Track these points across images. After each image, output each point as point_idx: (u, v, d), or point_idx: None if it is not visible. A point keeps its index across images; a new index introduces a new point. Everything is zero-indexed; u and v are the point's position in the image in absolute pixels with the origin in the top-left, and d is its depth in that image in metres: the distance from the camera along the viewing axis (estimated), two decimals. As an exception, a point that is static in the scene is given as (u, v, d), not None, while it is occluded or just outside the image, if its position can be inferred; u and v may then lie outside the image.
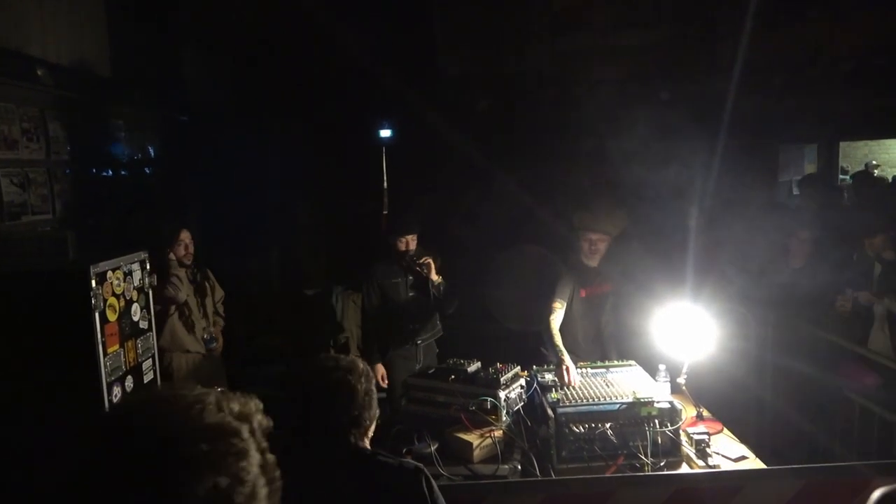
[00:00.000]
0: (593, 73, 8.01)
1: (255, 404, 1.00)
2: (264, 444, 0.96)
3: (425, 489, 2.00)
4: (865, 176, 7.35)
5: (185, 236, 4.24)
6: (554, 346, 3.59)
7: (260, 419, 0.98)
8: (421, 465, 2.09)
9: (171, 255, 4.10)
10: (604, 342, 3.96)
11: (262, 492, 0.92)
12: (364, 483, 1.99)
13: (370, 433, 2.14)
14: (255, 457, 0.92)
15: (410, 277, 4.14)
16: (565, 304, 3.78)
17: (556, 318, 3.73)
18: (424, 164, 7.38)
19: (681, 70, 7.63)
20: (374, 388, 2.12)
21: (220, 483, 0.86)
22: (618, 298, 3.96)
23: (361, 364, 2.13)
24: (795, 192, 8.11)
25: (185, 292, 4.09)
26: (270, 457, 0.96)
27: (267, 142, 6.76)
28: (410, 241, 4.12)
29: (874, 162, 9.89)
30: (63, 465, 0.89)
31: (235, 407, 0.95)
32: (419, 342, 4.20)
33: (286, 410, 2.10)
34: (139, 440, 0.87)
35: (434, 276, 4.03)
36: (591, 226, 3.64)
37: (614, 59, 7.95)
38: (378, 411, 2.16)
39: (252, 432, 0.94)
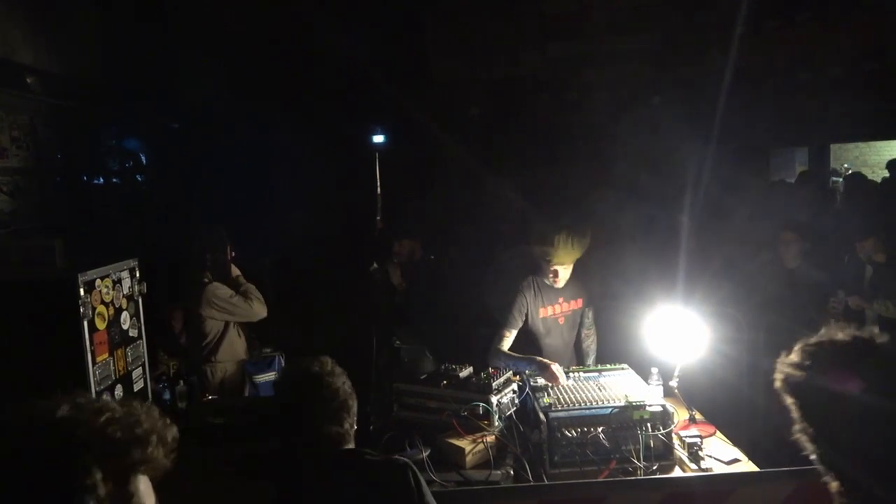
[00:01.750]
0: (585, 78, 8.04)
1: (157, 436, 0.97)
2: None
3: (412, 482, 2.03)
4: (858, 179, 7.38)
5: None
6: (521, 359, 3.57)
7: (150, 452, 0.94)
8: (409, 461, 2.11)
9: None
10: (581, 356, 3.95)
11: None
12: (354, 480, 2.00)
13: (351, 433, 2.16)
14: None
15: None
16: (515, 332, 3.75)
17: (505, 346, 3.70)
18: (417, 170, 7.39)
19: (672, 75, 7.67)
20: (353, 392, 2.16)
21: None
22: (597, 310, 3.95)
23: (331, 363, 2.17)
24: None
25: None
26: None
27: (259, 148, 6.75)
28: (403, 250, 4.14)
29: (846, 166, 9.96)
30: None
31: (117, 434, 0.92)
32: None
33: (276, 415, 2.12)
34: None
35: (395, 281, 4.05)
36: (552, 260, 3.62)
37: (606, 64, 7.99)
38: (356, 410, 2.19)
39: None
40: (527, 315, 3.76)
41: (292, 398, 2.09)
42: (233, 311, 4.10)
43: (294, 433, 2.08)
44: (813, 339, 1.26)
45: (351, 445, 2.13)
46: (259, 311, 4.18)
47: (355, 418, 2.16)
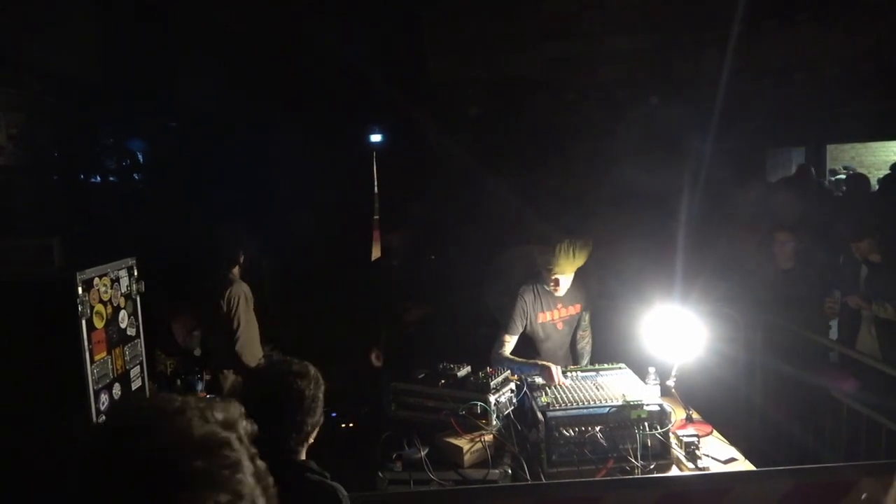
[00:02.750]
0: (583, 78, 8.06)
1: (237, 409, 0.95)
2: (253, 451, 0.91)
3: None
4: (859, 179, 7.40)
5: None
6: (521, 362, 3.59)
7: (245, 425, 0.94)
8: (339, 488, 1.99)
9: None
10: (576, 357, 3.97)
11: (261, 502, 0.87)
12: (284, 496, 1.94)
13: (310, 440, 2.09)
14: (248, 466, 0.87)
15: None
16: (516, 337, 3.77)
17: (506, 351, 3.72)
18: (415, 169, 7.39)
19: (669, 75, 7.68)
20: (321, 396, 2.09)
21: (220, 501, 0.81)
22: (594, 310, 3.96)
23: (313, 370, 2.10)
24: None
25: None
26: (261, 463, 0.92)
27: (257, 147, 6.75)
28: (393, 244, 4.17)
29: (843, 167, 9.99)
30: (57, 480, 0.85)
31: (219, 415, 0.90)
32: None
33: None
34: (134, 461, 0.81)
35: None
36: (554, 269, 3.64)
37: (604, 64, 8.00)
38: (322, 419, 2.12)
39: (240, 440, 0.90)
40: (526, 321, 3.77)
41: (257, 396, 1.98)
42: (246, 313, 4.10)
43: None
44: None
45: (301, 455, 2.06)
46: None
47: (316, 428, 2.09)
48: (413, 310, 4.44)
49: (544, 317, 3.78)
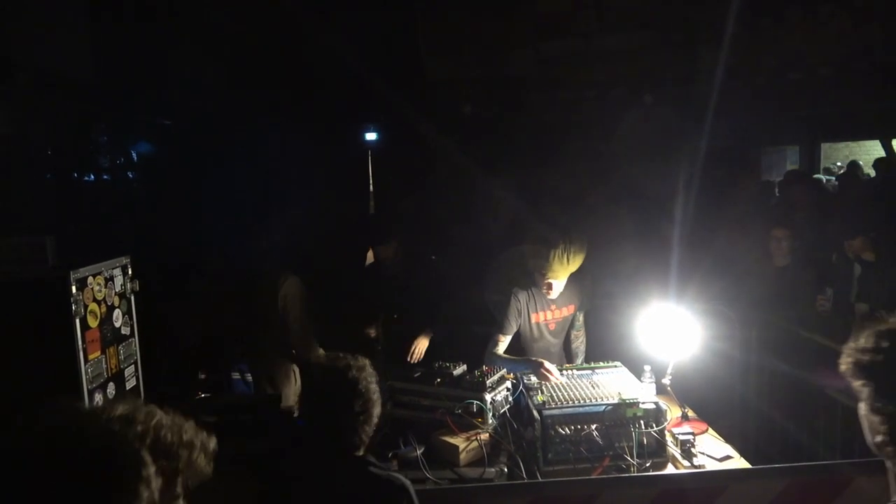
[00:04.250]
0: (577, 77, 8.06)
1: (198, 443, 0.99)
2: (178, 490, 0.95)
3: None
4: (850, 177, 7.45)
5: None
6: (516, 361, 3.59)
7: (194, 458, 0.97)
8: (408, 483, 2.04)
9: None
10: (570, 356, 3.97)
11: None
12: (347, 490, 1.97)
13: (370, 433, 2.12)
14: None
15: None
16: (510, 337, 3.78)
17: (500, 350, 3.73)
18: (410, 167, 7.38)
19: (663, 74, 7.70)
20: (378, 387, 2.13)
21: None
22: (589, 310, 3.96)
23: (368, 363, 2.14)
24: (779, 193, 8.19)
25: None
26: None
27: (251, 145, 6.73)
28: (385, 255, 4.14)
29: (838, 164, 10.04)
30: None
31: (167, 438, 0.94)
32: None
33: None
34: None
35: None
36: (548, 274, 3.63)
37: (598, 63, 8.01)
38: (381, 411, 2.16)
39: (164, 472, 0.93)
40: (520, 321, 3.77)
41: (320, 391, 2.04)
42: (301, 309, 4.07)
43: (308, 428, 2.03)
44: (882, 327, 1.34)
45: (360, 453, 2.09)
46: None
47: (373, 426, 2.12)
48: (386, 247, 4.33)
49: (538, 317, 3.78)
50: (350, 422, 2.02)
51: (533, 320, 3.77)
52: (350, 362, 2.10)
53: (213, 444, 1.01)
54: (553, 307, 3.79)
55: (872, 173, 7.97)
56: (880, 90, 6.62)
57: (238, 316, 4.22)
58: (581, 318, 3.94)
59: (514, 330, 3.76)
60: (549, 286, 3.64)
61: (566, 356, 3.95)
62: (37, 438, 0.90)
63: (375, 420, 2.10)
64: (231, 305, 4.36)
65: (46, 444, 0.89)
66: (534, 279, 3.72)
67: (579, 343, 3.97)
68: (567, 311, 3.84)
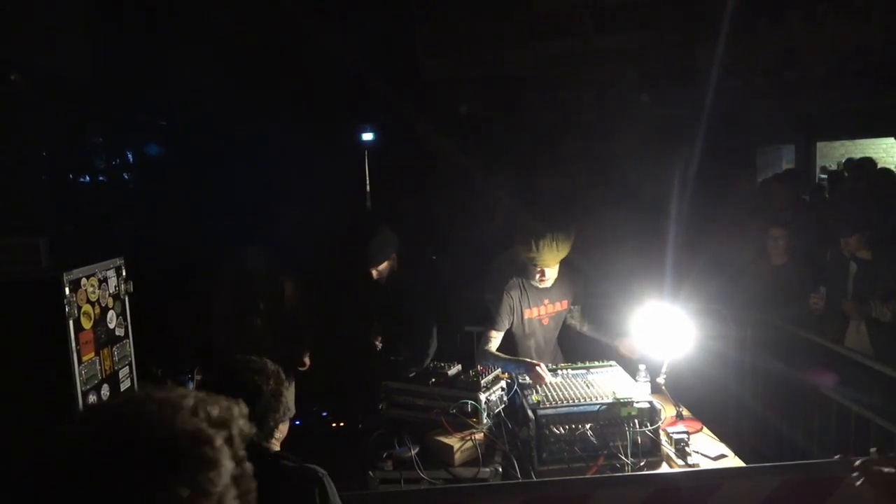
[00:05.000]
0: (575, 77, 8.07)
1: (238, 410, 0.95)
2: (241, 453, 0.91)
3: (317, 497, 1.95)
4: (841, 175, 7.46)
5: None
6: (509, 360, 3.59)
7: (241, 425, 0.94)
8: (322, 472, 2.01)
9: None
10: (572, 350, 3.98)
11: None
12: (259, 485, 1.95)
13: (277, 435, 2.11)
14: (227, 466, 0.87)
15: None
16: (502, 333, 3.78)
17: (492, 347, 3.72)
18: (406, 168, 7.38)
19: (660, 73, 7.70)
20: (283, 391, 2.10)
21: (181, 495, 0.81)
22: (583, 308, 3.97)
23: (272, 366, 2.11)
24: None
25: None
26: (248, 466, 0.92)
27: (248, 146, 6.73)
28: (379, 270, 4.17)
29: (840, 162, 10.03)
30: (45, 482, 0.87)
31: (214, 412, 0.91)
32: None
33: None
34: (104, 440, 0.83)
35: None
36: (538, 262, 3.65)
37: (596, 63, 8.01)
38: (289, 413, 2.14)
39: (228, 440, 0.90)
40: (512, 317, 3.77)
41: (218, 393, 2.04)
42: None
43: None
44: None
45: (270, 447, 2.08)
46: None
47: (281, 423, 2.11)
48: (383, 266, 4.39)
49: (531, 313, 3.79)
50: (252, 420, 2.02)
51: (526, 316, 3.78)
52: (247, 365, 2.08)
53: (245, 408, 0.99)
54: (546, 302, 3.80)
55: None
56: (876, 88, 6.63)
57: (235, 317, 4.25)
58: (579, 311, 3.94)
59: (507, 326, 3.76)
60: (542, 273, 3.65)
61: (560, 354, 3.96)
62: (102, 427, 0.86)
63: (272, 424, 2.06)
64: (228, 306, 4.38)
65: (114, 431, 0.85)
66: (528, 271, 3.73)
67: (585, 328, 3.96)
68: (560, 306, 3.85)
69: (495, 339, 3.74)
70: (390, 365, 4.19)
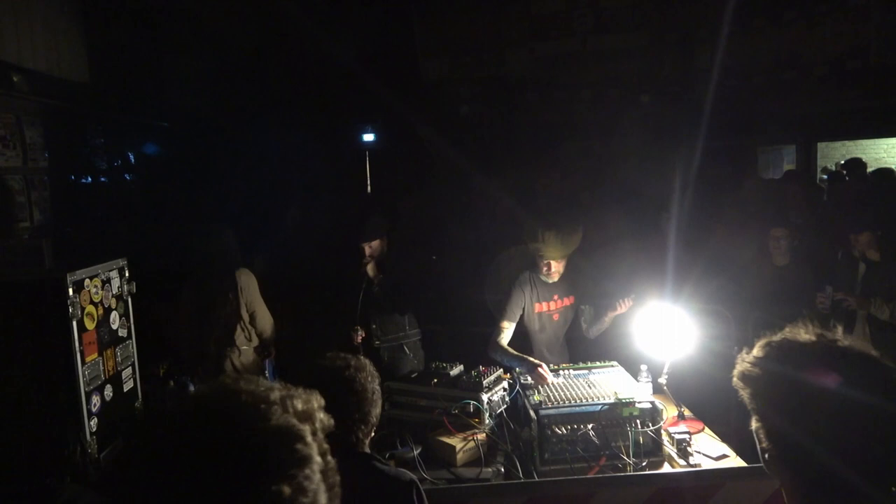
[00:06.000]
0: (573, 77, 8.07)
1: (317, 401, 0.94)
2: (325, 446, 0.90)
3: (415, 500, 2.02)
4: (840, 175, 7.46)
5: None
6: (515, 356, 3.62)
7: (322, 418, 0.92)
8: (415, 478, 2.09)
9: None
10: (572, 351, 3.99)
11: (323, 499, 0.85)
12: (355, 487, 1.98)
13: (372, 433, 2.17)
14: (317, 462, 0.85)
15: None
16: (514, 324, 3.81)
17: (504, 338, 3.76)
18: (407, 168, 7.39)
19: (660, 74, 7.71)
20: (378, 388, 2.16)
21: (283, 492, 0.79)
22: (590, 305, 3.98)
23: (368, 364, 2.17)
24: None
25: None
26: (331, 460, 0.90)
27: (249, 147, 6.73)
28: (371, 247, 4.20)
29: (841, 162, 10.03)
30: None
31: (299, 405, 0.89)
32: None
33: None
34: (206, 444, 0.80)
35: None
36: (544, 254, 3.68)
37: (594, 63, 8.01)
38: (381, 410, 2.20)
39: (314, 434, 0.88)
40: (523, 309, 3.81)
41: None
42: (256, 297, 4.28)
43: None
44: (776, 337, 1.28)
45: (365, 447, 2.13)
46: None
47: (373, 425, 2.16)
48: (373, 244, 4.40)
49: (540, 307, 3.83)
50: (353, 420, 2.04)
51: (536, 310, 3.81)
52: (350, 362, 2.12)
53: (322, 400, 0.97)
54: (556, 297, 3.84)
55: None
56: (875, 89, 6.64)
57: (204, 311, 4.32)
58: (591, 311, 3.96)
59: (517, 317, 3.80)
60: (549, 266, 3.69)
61: (568, 352, 3.98)
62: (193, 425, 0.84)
63: (373, 420, 2.11)
64: (198, 303, 4.44)
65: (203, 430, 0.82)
66: (536, 265, 3.77)
67: (592, 331, 3.98)
68: (568, 301, 3.89)
69: (507, 330, 3.79)
70: (374, 351, 4.20)
